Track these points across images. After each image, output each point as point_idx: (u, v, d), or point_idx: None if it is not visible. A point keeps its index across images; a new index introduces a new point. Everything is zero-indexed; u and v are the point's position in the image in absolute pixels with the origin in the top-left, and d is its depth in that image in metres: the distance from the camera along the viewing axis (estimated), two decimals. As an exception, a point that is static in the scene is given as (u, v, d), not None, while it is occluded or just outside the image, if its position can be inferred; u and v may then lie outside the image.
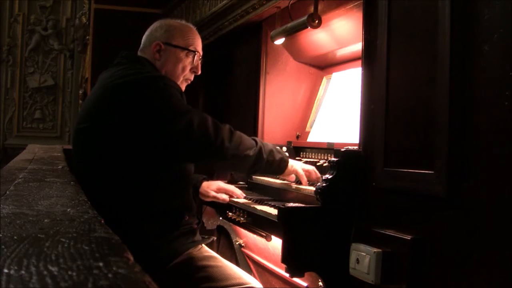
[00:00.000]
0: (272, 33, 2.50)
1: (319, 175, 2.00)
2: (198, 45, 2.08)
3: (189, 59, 2.04)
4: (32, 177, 1.52)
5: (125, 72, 1.88)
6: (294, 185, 2.03)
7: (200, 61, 2.09)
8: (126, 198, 1.80)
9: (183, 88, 2.08)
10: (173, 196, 1.88)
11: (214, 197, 2.17)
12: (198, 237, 1.93)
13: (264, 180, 2.27)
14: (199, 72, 2.09)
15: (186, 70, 2.04)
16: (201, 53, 2.09)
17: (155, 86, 1.81)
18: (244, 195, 2.19)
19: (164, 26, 2.06)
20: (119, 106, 1.79)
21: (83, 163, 1.87)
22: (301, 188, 1.97)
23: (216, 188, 2.18)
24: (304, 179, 1.97)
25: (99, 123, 1.82)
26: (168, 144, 1.79)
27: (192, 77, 2.10)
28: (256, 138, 1.94)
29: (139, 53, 2.07)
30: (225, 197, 2.15)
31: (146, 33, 2.10)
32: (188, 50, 2.03)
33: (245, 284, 1.86)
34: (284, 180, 2.12)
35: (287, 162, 1.95)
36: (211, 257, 1.88)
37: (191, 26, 2.14)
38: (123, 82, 1.83)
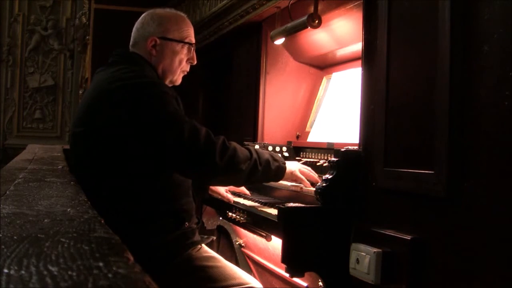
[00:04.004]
0: (272, 33, 2.50)
1: (316, 176, 2.00)
2: (192, 35, 2.04)
3: (185, 51, 2.00)
4: (32, 177, 1.52)
5: (121, 75, 1.83)
6: (293, 185, 2.03)
7: (194, 50, 2.06)
8: (123, 202, 1.78)
9: (180, 79, 2.06)
10: (172, 200, 1.85)
11: (222, 195, 2.18)
12: (197, 237, 1.92)
13: (264, 180, 2.27)
14: (195, 62, 2.06)
15: (183, 62, 2.01)
16: (194, 42, 2.06)
17: (150, 93, 1.76)
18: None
19: (156, 19, 2.00)
20: (113, 111, 1.75)
21: (80, 166, 1.85)
22: (301, 188, 1.97)
23: (228, 188, 2.21)
24: (306, 182, 1.97)
25: (94, 128, 1.79)
26: (157, 155, 1.76)
27: (188, 68, 2.06)
28: (251, 149, 1.88)
29: (131, 49, 2.02)
30: (230, 197, 2.18)
31: (137, 26, 2.03)
32: (184, 42, 2.00)
33: (245, 284, 1.85)
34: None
35: (285, 169, 1.93)
36: (210, 258, 1.88)
37: (182, 14, 2.08)
38: (117, 87, 1.78)
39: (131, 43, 2.04)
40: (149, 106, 1.74)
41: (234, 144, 1.83)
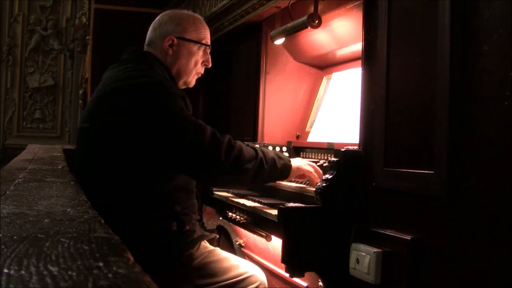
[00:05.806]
0: (272, 33, 2.50)
1: (320, 171, 1.98)
2: (209, 37, 2.05)
3: (201, 53, 2.01)
4: (32, 177, 1.52)
5: (126, 73, 1.83)
6: (294, 185, 2.03)
7: (209, 53, 2.06)
8: (125, 201, 1.77)
9: (194, 82, 2.05)
10: (174, 204, 1.82)
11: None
12: (198, 232, 1.88)
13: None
14: (210, 65, 2.06)
15: (198, 64, 2.01)
16: (210, 44, 2.06)
17: (154, 92, 1.75)
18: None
19: (175, 19, 2.00)
20: (115, 110, 1.76)
21: (84, 162, 1.86)
22: (301, 188, 1.97)
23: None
24: (313, 175, 1.93)
25: (98, 125, 1.80)
26: (160, 156, 1.75)
27: (203, 71, 2.06)
28: (256, 148, 1.86)
29: (146, 48, 2.01)
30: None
31: (154, 26, 2.03)
32: (201, 43, 2.00)
33: (243, 274, 1.85)
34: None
35: (290, 167, 1.90)
36: (210, 252, 1.86)
37: (200, 17, 2.09)
38: (121, 86, 1.79)
39: (146, 42, 2.03)
40: (151, 106, 1.73)
41: (239, 143, 1.81)
